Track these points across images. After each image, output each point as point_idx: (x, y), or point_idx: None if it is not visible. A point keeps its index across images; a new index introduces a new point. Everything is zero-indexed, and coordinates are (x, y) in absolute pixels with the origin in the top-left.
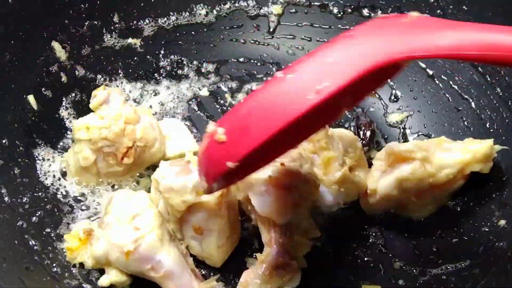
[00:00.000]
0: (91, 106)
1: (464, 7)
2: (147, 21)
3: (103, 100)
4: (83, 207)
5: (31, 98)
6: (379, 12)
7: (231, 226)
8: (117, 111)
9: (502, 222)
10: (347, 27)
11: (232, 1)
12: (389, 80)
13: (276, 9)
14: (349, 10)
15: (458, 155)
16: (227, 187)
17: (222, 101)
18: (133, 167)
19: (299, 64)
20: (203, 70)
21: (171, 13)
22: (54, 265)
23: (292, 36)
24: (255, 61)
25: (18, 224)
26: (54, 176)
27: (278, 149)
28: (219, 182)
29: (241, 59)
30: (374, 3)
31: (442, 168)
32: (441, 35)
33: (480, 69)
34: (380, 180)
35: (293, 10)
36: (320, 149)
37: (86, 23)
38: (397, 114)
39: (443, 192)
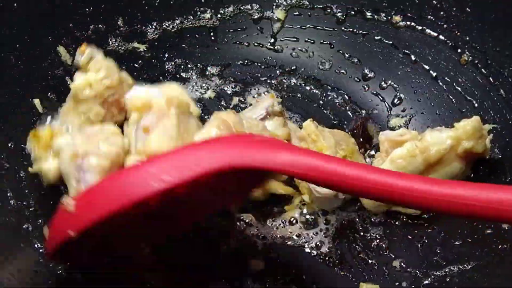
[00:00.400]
0: (81, 63)
1: (467, 9)
2: (151, 25)
3: (91, 55)
4: None
5: (36, 102)
6: (382, 14)
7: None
8: (107, 61)
9: (506, 225)
10: (350, 29)
11: (236, 4)
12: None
13: (279, 12)
14: (352, 13)
15: (447, 132)
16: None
17: (226, 104)
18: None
19: (156, 158)
20: (207, 73)
21: (176, 17)
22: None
23: (295, 39)
24: (259, 64)
25: (24, 227)
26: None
27: (128, 235)
28: (62, 254)
29: (245, 62)
30: (377, 5)
31: (433, 144)
32: (278, 154)
33: (483, 70)
34: None
35: (297, 13)
36: (312, 142)
37: (91, 27)
38: (400, 117)
39: (441, 175)
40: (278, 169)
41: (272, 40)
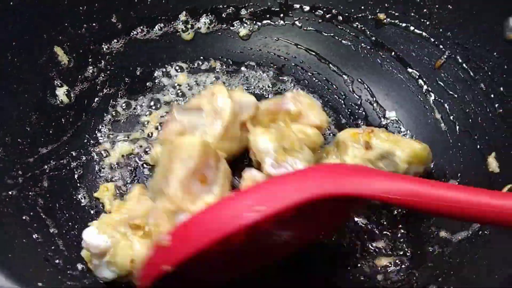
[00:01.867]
0: None
1: (449, 6)
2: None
3: None
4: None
5: (33, 99)
6: (367, 12)
7: None
8: None
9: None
10: (334, 27)
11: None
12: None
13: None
14: (335, 11)
15: (399, 152)
16: None
17: None
18: None
19: (247, 190)
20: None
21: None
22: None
23: (276, 38)
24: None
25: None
26: (57, 175)
27: (223, 268)
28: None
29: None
30: (362, 3)
31: (382, 156)
32: (373, 181)
33: (464, 65)
34: None
35: (277, 9)
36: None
37: (85, 26)
38: (383, 112)
39: None
40: (373, 196)
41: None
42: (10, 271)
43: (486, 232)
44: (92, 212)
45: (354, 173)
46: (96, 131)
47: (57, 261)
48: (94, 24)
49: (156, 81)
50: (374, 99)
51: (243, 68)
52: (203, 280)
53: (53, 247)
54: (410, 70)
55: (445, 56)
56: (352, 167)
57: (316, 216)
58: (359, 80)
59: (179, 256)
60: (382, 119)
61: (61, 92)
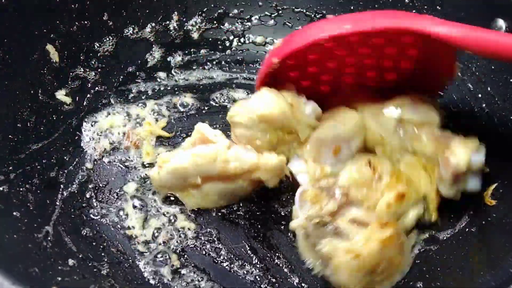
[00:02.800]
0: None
1: (438, 7)
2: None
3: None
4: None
5: (24, 96)
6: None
7: None
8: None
9: None
10: None
11: None
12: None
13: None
14: (324, 12)
15: (253, 157)
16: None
17: None
18: None
19: (339, 16)
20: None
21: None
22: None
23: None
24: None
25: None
26: (47, 169)
27: (320, 70)
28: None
29: None
30: (352, 5)
31: (236, 159)
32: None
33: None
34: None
35: (268, 14)
36: None
37: (77, 24)
38: None
39: (226, 187)
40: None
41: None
42: (1, 267)
43: (472, 229)
44: (83, 205)
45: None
46: (88, 128)
47: (47, 256)
48: (85, 22)
49: (147, 79)
50: None
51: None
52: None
53: (43, 243)
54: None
55: None
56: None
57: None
58: None
59: (285, 51)
60: None
61: (52, 90)
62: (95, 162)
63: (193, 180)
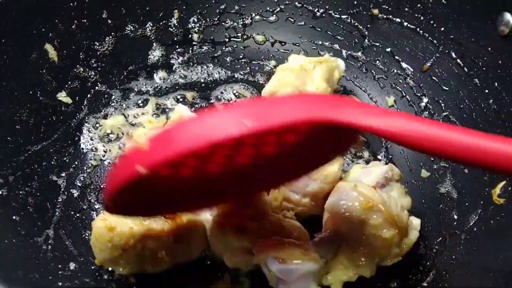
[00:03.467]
0: None
1: (443, 1)
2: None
3: None
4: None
5: (23, 97)
6: (361, 7)
7: None
8: None
9: None
10: (327, 23)
11: None
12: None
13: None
14: (327, 7)
15: None
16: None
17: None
18: None
19: (239, 104)
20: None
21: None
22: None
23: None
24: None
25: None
26: (47, 171)
27: (196, 190)
28: (122, 196)
29: None
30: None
31: None
32: (368, 116)
33: (459, 61)
34: None
35: (270, 9)
36: None
37: (76, 23)
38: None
39: None
40: (367, 128)
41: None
42: (0, 272)
43: (481, 229)
44: (84, 208)
45: (352, 106)
46: (88, 129)
47: (48, 261)
48: (84, 20)
49: (148, 78)
50: (369, 94)
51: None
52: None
53: (44, 247)
54: (404, 65)
55: (437, 55)
56: (347, 99)
57: (305, 146)
58: (354, 75)
59: (156, 159)
60: None
61: (52, 90)
62: (96, 164)
63: None
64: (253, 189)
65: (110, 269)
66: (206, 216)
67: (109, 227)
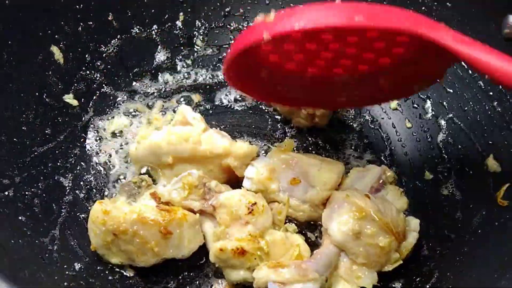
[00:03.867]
0: None
1: (448, 3)
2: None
3: None
4: None
5: (29, 98)
6: None
7: None
8: None
9: None
10: None
11: None
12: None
13: None
14: None
15: (226, 142)
16: (243, 88)
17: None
18: None
19: (347, 2)
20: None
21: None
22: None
23: None
24: None
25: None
26: (53, 172)
27: (307, 59)
28: (239, 64)
29: None
30: None
31: (208, 143)
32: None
33: (463, 63)
34: None
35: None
36: None
37: (82, 25)
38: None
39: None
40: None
41: None
42: (6, 272)
43: (485, 231)
44: (89, 209)
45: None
46: (93, 131)
47: (54, 261)
48: (90, 22)
49: (153, 79)
50: None
51: None
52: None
53: (49, 247)
54: None
55: None
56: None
57: (397, 67)
58: None
59: (281, 28)
60: (383, 114)
61: (58, 91)
62: (101, 165)
63: (165, 159)
64: (336, 103)
65: (114, 268)
66: (206, 228)
67: (104, 211)
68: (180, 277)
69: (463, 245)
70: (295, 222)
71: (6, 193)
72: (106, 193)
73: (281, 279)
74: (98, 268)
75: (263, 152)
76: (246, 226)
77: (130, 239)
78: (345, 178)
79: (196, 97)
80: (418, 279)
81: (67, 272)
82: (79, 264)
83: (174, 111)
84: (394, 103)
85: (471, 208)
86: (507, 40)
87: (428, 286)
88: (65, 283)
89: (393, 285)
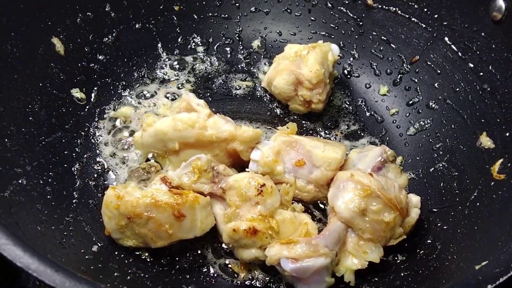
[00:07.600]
0: None
1: None
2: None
3: None
4: None
5: (33, 89)
6: None
7: None
8: None
9: None
10: (323, 10)
11: None
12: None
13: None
14: None
15: (231, 127)
16: None
17: None
18: None
19: None
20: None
21: None
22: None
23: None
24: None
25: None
26: (62, 161)
27: None
28: None
29: None
30: None
31: (213, 128)
32: None
33: (453, 46)
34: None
35: None
36: None
37: (81, 16)
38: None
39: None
40: None
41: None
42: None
43: (483, 204)
44: (99, 196)
45: None
46: (97, 120)
47: (71, 245)
48: (89, 13)
49: (154, 67)
50: (365, 81)
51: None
52: None
53: (65, 233)
54: (399, 52)
55: (431, 41)
56: None
57: None
58: (349, 63)
59: None
60: (377, 97)
61: (60, 82)
62: (107, 152)
63: (172, 145)
64: None
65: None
66: (216, 210)
67: (118, 195)
68: (191, 257)
69: (463, 218)
70: (302, 203)
71: (20, 181)
72: (113, 179)
73: (294, 255)
74: (113, 251)
75: (264, 137)
76: (256, 207)
77: (145, 222)
78: (346, 160)
79: (194, 85)
80: (422, 251)
81: (86, 256)
82: (95, 248)
83: (175, 98)
84: (384, 89)
85: (468, 183)
86: (495, 23)
87: (432, 257)
88: (84, 265)
89: (399, 260)
